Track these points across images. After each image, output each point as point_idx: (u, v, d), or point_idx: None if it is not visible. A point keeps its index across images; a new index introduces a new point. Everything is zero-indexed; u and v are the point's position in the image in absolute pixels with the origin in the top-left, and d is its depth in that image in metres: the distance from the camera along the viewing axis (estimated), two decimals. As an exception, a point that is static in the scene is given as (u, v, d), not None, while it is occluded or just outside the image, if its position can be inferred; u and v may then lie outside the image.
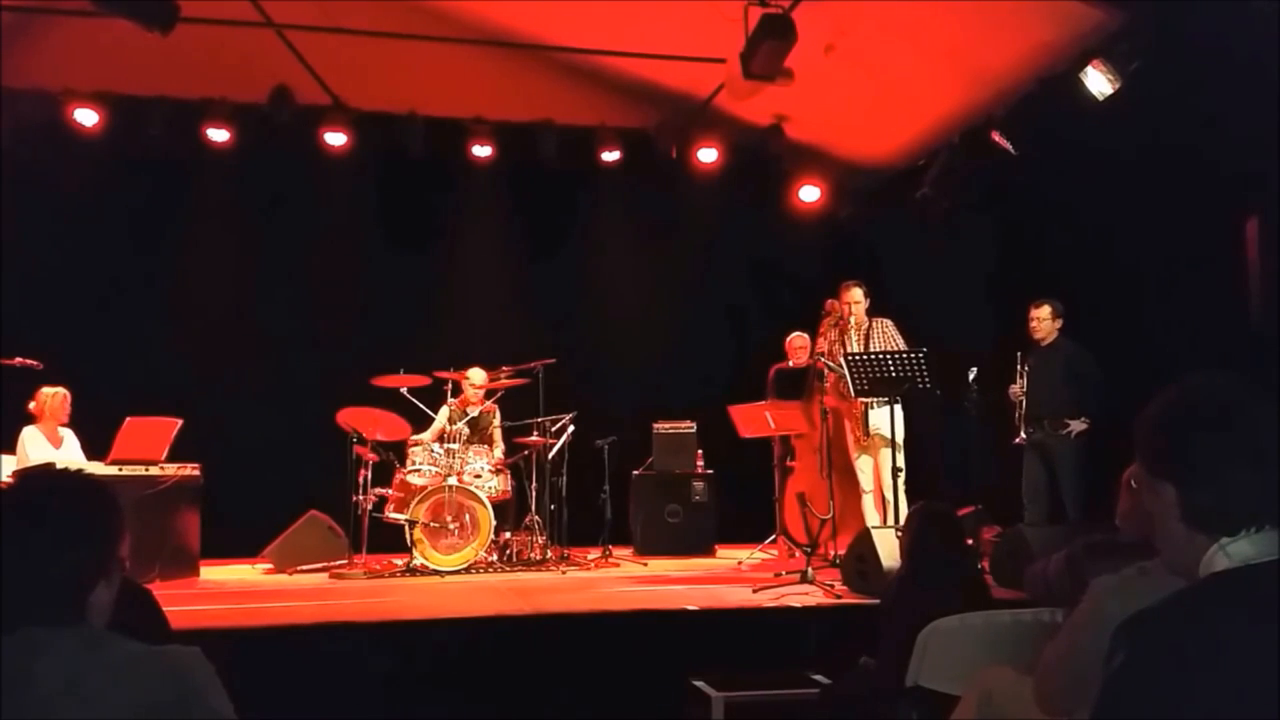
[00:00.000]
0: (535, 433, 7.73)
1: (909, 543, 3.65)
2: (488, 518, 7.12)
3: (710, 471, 8.66)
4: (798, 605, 5.32)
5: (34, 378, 6.78)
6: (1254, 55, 5.38)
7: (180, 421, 6.84)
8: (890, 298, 7.31)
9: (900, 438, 6.28)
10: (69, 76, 7.69)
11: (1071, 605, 2.26)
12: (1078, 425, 6.61)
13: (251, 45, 7.33)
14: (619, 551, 8.01)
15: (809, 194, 9.21)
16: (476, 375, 7.80)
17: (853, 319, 7.03)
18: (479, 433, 7.90)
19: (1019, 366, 6.84)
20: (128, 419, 6.68)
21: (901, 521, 6.10)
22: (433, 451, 7.40)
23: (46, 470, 1.79)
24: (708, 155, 8.68)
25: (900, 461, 6.26)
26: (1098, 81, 6.37)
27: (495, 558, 7.40)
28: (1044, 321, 6.89)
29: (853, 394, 6.61)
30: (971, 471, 7.14)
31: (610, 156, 8.76)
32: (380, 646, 4.69)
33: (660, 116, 8.62)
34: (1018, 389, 6.82)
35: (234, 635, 4.63)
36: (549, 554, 7.49)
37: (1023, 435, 6.79)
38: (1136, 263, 6.67)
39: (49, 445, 6.81)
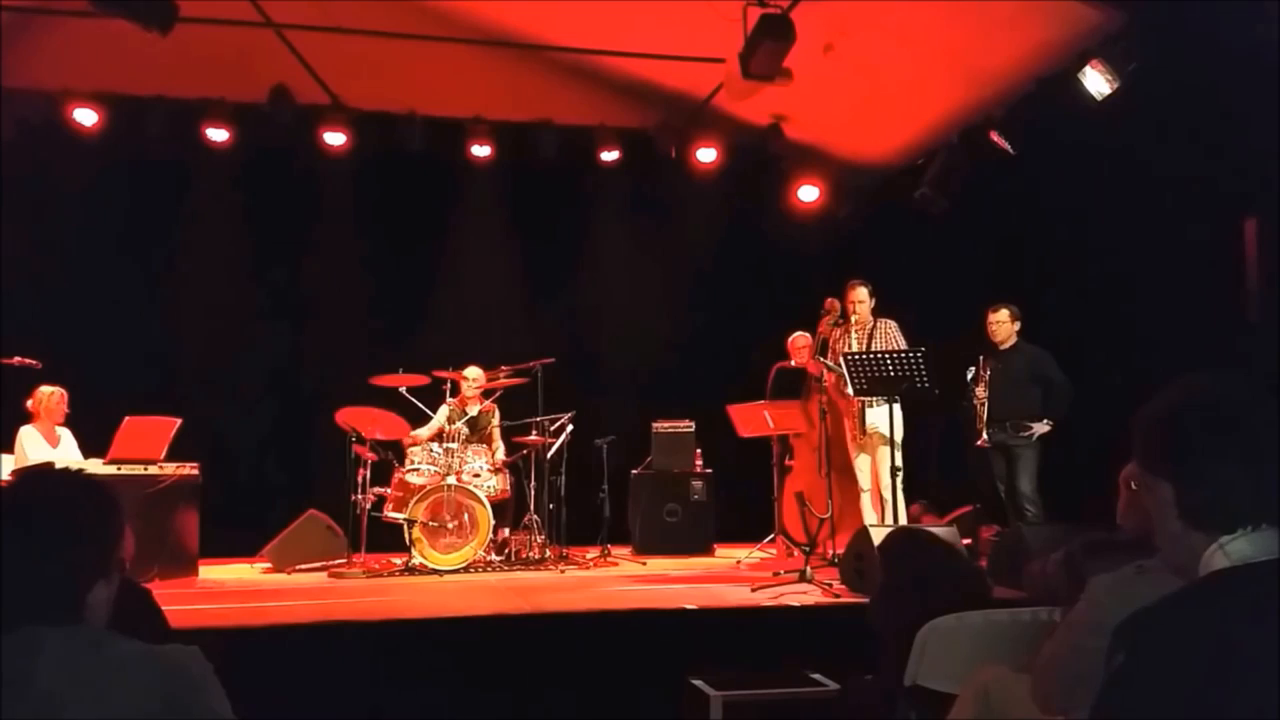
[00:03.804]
0: (534, 432, 7.74)
1: (884, 576, 3.62)
2: (486, 517, 7.12)
3: (709, 471, 8.66)
4: (796, 604, 5.32)
5: (33, 377, 6.79)
6: (1253, 55, 5.38)
7: (179, 421, 6.83)
8: (889, 297, 7.31)
9: (899, 436, 6.29)
10: (69, 76, 7.69)
11: (1069, 604, 2.26)
12: (1040, 427, 6.68)
13: (251, 45, 7.33)
14: (618, 551, 8.02)
15: (808, 194, 9.21)
16: (473, 373, 7.80)
17: (855, 317, 7.05)
18: (478, 432, 7.90)
19: (979, 370, 6.86)
20: (126, 418, 6.68)
21: (900, 520, 6.14)
22: (431, 451, 7.40)
23: (46, 470, 1.79)
24: (707, 155, 8.68)
25: (899, 460, 6.26)
26: (1096, 81, 6.38)
27: (494, 557, 7.39)
28: (1003, 324, 6.94)
29: (851, 393, 6.62)
30: (970, 470, 7.15)
31: (609, 156, 8.75)
32: (379, 646, 4.69)
33: (659, 116, 8.61)
34: (980, 392, 6.85)
35: (233, 634, 4.62)
36: (548, 553, 7.49)
37: (985, 438, 6.81)
38: (1136, 262, 6.67)
39: (46, 444, 6.81)
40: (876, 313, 7.11)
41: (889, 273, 7.67)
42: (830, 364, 7.01)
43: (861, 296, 7.05)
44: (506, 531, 7.63)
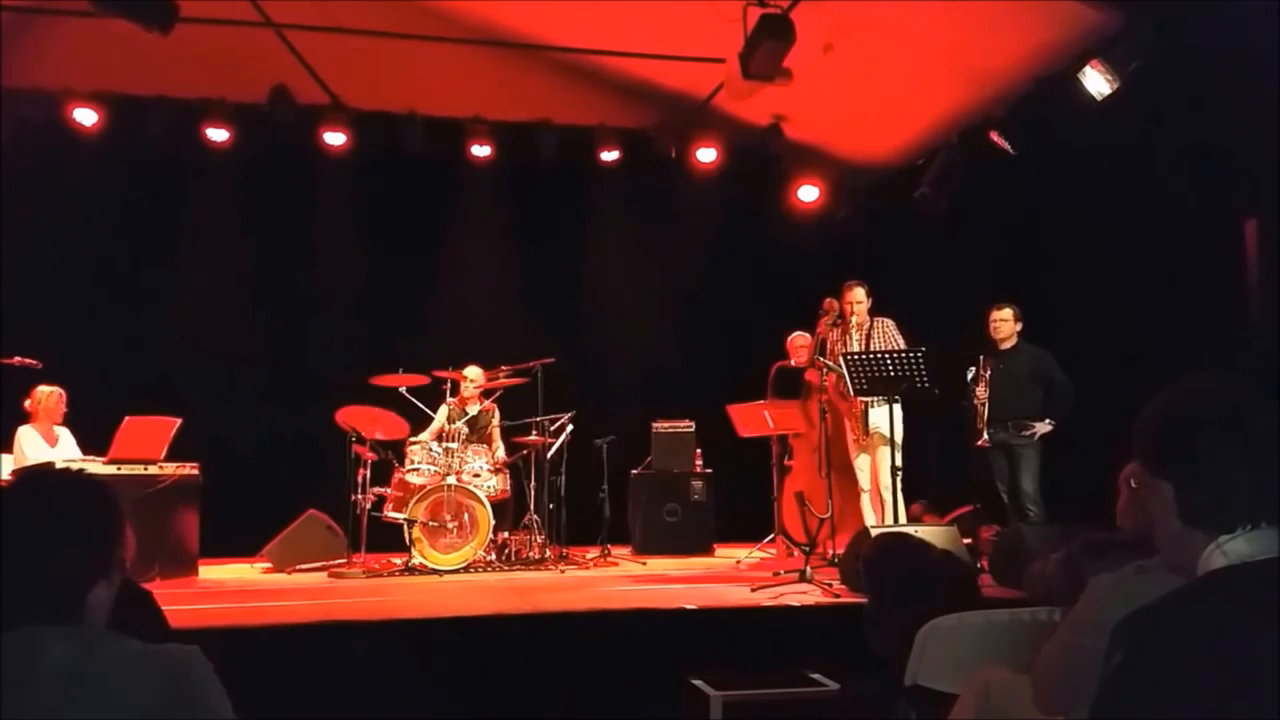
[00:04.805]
0: (534, 432, 7.74)
1: (871, 587, 3.61)
2: (486, 517, 7.12)
3: (709, 471, 8.66)
4: (796, 604, 5.31)
5: (32, 377, 6.79)
6: (1253, 55, 5.38)
7: (179, 421, 6.84)
8: (889, 297, 7.32)
9: (900, 437, 6.28)
10: (69, 76, 7.69)
11: (1069, 604, 2.26)
12: (1042, 427, 6.68)
13: (251, 45, 7.33)
14: (617, 550, 8.02)
15: (808, 194, 9.22)
16: (473, 372, 7.80)
17: (854, 318, 7.05)
18: (478, 432, 7.90)
19: (979, 370, 6.86)
20: (126, 418, 6.68)
21: (901, 520, 6.14)
22: (431, 451, 7.40)
23: (46, 469, 1.79)
24: (707, 155, 8.68)
25: (899, 460, 6.26)
26: (1096, 81, 6.38)
27: (494, 557, 7.39)
28: (1006, 323, 6.95)
29: (851, 393, 6.62)
30: (970, 470, 7.15)
31: (609, 156, 8.76)
32: (379, 646, 4.68)
33: (659, 116, 8.62)
34: (980, 392, 6.85)
35: (233, 634, 4.62)
36: (548, 553, 7.49)
37: (985, 438, 6.81)
38: (1136, 263, 6.67)
39: (45, 444, 6.82)
40: (874, 312, 7.11)
41: (889, 273, 7.67)
42: (830, 364, 7.01)
43: (859, 297, 7.05)
44: (506, 532, 7.63)
